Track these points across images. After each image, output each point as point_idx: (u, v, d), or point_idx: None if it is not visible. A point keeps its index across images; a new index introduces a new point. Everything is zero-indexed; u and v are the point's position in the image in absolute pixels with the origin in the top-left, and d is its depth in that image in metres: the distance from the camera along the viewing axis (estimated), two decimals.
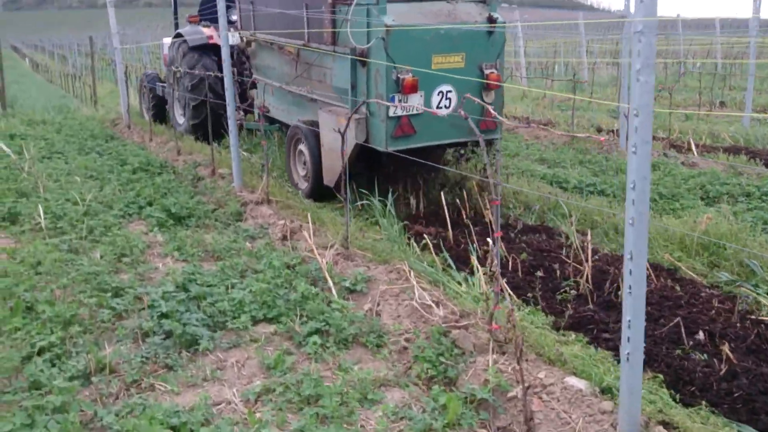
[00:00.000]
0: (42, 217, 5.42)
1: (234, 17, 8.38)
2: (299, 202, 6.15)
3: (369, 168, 6.14)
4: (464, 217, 5.70)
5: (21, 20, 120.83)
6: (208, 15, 8.79)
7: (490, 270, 3.14)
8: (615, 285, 4.07)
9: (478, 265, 4.20)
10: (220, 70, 7.85)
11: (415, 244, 4.88)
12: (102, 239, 5.21)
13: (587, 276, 4.05)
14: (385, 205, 5.36)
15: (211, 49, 8.63)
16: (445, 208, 5.37)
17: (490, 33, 5.59)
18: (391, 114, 5.28)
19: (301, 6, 6.16)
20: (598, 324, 3.63)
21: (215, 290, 4.04)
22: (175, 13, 10.52)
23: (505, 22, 5.73)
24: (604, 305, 3.89)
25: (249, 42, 7.69)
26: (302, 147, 6.38)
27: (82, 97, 19.01)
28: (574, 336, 3.53)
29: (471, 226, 5.31)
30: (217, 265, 4.56)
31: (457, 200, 5.82)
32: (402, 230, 5.01)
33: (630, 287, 2.37)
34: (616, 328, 3.53)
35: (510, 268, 4.49)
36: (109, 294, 4.03)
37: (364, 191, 5.80)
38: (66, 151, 8.81)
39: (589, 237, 4.37)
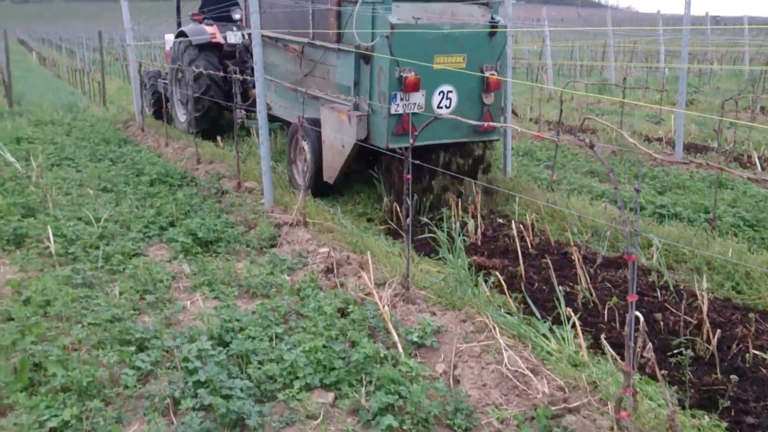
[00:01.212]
0: (51, 240, 4.77)
1: (237, 16, 8.60)
2: (339, 224, 5.48)
3: (368, 166, 6.10)
4: (529, 246, 5.03)
5: (29, 12, 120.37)
6: (210, 13, 8.85)
7: (633, 351, 2.46)
8: (742, 345, 3.38)
9: (568, 313, 3.53)
10: (223, 69, 8.15)
11: (483, 283, 4.20)
12: (120, 269, 4.55)
13: (707, 333, 3.37)
14: (451, 238, 4.64)
15: (214, 48, 8.58)
16: (515, 233, 4.70)
17: (491, 35, 5.63)
18: (392, 111, 5.30)
19: (307, 3, 6.14)
20: (735, 402, 2.95)
21: (259, 345, 3.38)
22: (178, 11, 10.32)
23: (506, 26, 5.76)
24: (733, 373, 3.20)
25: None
26: (304, 143, 6.35)
27: (91, 93, 18.37)
28: (707, 419, 2.85)
29: (543, 258, 4.64)
30: (255, 306, 3.90)
31: (514, 223, 5.15)
32: (468, 266, 4.33)
33: None
34: (760, 409, 2.86)
35: (604, 317, 3.81)
36: (133, 347, 3.37)
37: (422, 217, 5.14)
38: (77, 157, 8.16)
39: (704, 284, 3.67)
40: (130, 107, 12.20)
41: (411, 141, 3.79)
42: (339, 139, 5.71)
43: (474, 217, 5.55)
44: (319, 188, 6.25)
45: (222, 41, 8.59)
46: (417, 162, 4.14)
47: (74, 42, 44.39)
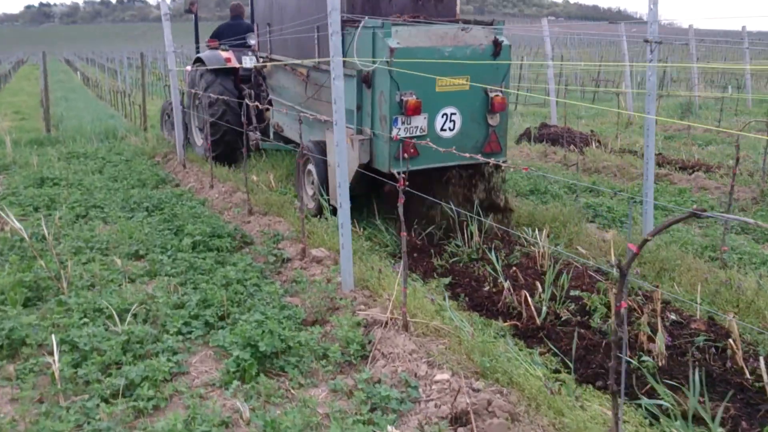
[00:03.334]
0: (56, 357, 3.36)
1: (252, 41, 8.76)
2: (450, 323, 3.94)
3: (371, 189, 5.88)
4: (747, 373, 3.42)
5: (76, 33, 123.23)
6: (226, 39, 9.23)
7: None
8: None
9: None
10: (238, 93, 8.46)
11: None
12: (149, 411, 3.11)
13: None
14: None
15: (229, 72, 8.84)
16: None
17: (495, 56, 5.61)
18: (393, 135, 5.27)
19: (313, 29, 6.21)
20: None
21: None
22: (197, 39, 10.54)
23: (510, 45, 5.70)
24: None
25: (264, 63, 8.01)
26: (311, 166, 6.37)
27: (132, 116, 17.35)
28: None
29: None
30: None
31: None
32: None
33: None
34: None
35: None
36: None
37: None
38: (106, 205, 6.85)
39: None
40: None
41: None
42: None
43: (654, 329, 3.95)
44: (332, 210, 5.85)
45: (237, 66, 8.84)
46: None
47: (117, 61, 44.29)
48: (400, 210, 3.74)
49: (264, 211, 6.58)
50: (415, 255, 5.37)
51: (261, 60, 8.09)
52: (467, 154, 3.99)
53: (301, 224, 5.23)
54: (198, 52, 9.85)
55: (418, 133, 5.38)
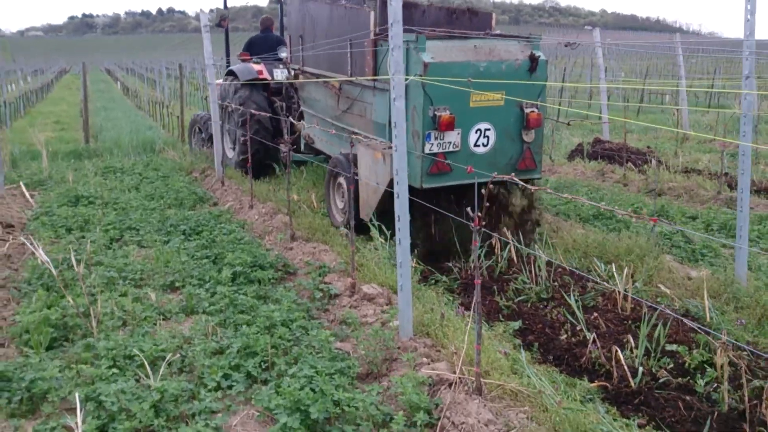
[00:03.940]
0: (79, 419, 2.91)
1: (283, 54, 8.78)
2: (528, 384, 3.39)
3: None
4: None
5: (117, 43, 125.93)
6: (256, 53, 9.27)
7: None
8: None
9: None
10: (270, 105, 8.57)
11: None
12: None
13: None
14: None
15: (261, 86, 8.89)
16: None
17: (531, 71, 5.47)
18: (427, 150, 5.20)
19: (346, 42, 6.16)
20: None
21: None
22: (227, 52, 10.53)
23: (547, 60, 5.59)
24: None
25: (296, 75, 7.93)
26: (341, 179, 6.33)
27: (169, 127, 17.19)
28: None
29: None
30: None
31: None
32: None
33: None
34: None
35: None
36: None
37: None
38: (142, 227, 6.47)
39: None
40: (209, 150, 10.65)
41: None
42: (374, 176, 5.65)
43: None
44: (357, 226, 5.54)
45: (269, 78, 8.86)
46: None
47: (156, 72, 44.72)
48: (475, 255, 3.22)
49: (307, 236, 6.12)
50: (472, 289, 4.83)
51: (294, 72, 8.02)
52: (496, 174, 3.59)
53: (350, 258, 4.74)
54: (228, 65, 9.98)
55: (451, 149, 5.28)
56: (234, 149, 9.51)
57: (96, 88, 37.36)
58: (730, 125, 15.05)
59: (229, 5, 10.87)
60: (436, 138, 5.21)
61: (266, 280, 4.97)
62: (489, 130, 5.42)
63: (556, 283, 4.74)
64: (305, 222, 6.47)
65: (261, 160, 8.69)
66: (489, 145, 5.45)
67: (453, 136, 5.28)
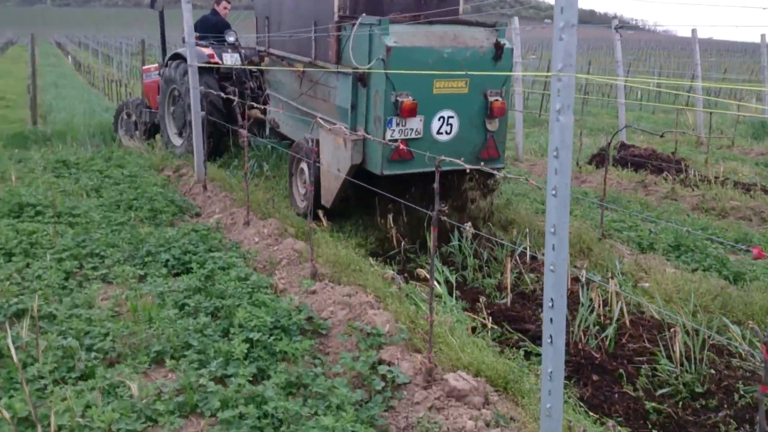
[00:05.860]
0: None
1: (231, 38, 8.84)
2: None
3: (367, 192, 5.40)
4: None
5: (68, 16, 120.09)
6: (203, 37, 8.96)
7: None
8: None
9: None
10: (221, 90, 8.31)
11: None
12: None
13: None
14: None
15: (211, 70, 8.62)
16: None
17: (496, 59, 5.40)
18: (388, 137, 5.12)
19: (310, 22, 6.12)
20: None
21: None
22: (163, 38, 10.12)
23: (512, 49, 5.55)
24: None
25: (262, 58, 7.89)
26: (303, 165, 6.31)
27: None
28: None
29: None
30: None
31: None
32: None
33: None
34: None
35: None
36: None
37: None
38: (108, 254, 4.88)
39: None
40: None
41: None
42: (335, 162, 5.57)
43: None
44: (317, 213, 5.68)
45: (219, 63, 8.66)
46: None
47: (112, 47, 41.84)
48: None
49: (333, 273, 4.63)
50: (575, 367, 3.44)
51: (260, 54, 7.98)
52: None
53: (429, 330, 3.26)
54: (164, 52, 9.66)
55: (413, 136, 5.23)
56: (181, 135, 9.03)
57: (46, 62, 34.57)
58: (744, 130, 14.12)
59: None
60: (398, 124, 5.13)
61: (297, 354, 3.46)
62: (452, 117, 5.34)
63: (711, 369, 3.39)
64: (326, 251, 4.98)
65: (216, 144, 8.56)
66: (452, 133, 5.38)
67: (415, 123, 5.20)
